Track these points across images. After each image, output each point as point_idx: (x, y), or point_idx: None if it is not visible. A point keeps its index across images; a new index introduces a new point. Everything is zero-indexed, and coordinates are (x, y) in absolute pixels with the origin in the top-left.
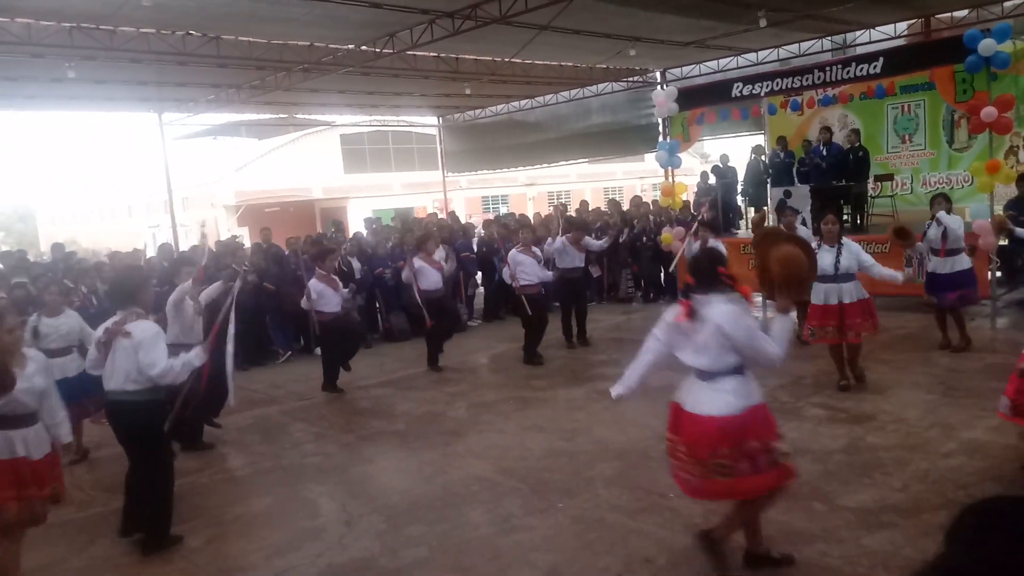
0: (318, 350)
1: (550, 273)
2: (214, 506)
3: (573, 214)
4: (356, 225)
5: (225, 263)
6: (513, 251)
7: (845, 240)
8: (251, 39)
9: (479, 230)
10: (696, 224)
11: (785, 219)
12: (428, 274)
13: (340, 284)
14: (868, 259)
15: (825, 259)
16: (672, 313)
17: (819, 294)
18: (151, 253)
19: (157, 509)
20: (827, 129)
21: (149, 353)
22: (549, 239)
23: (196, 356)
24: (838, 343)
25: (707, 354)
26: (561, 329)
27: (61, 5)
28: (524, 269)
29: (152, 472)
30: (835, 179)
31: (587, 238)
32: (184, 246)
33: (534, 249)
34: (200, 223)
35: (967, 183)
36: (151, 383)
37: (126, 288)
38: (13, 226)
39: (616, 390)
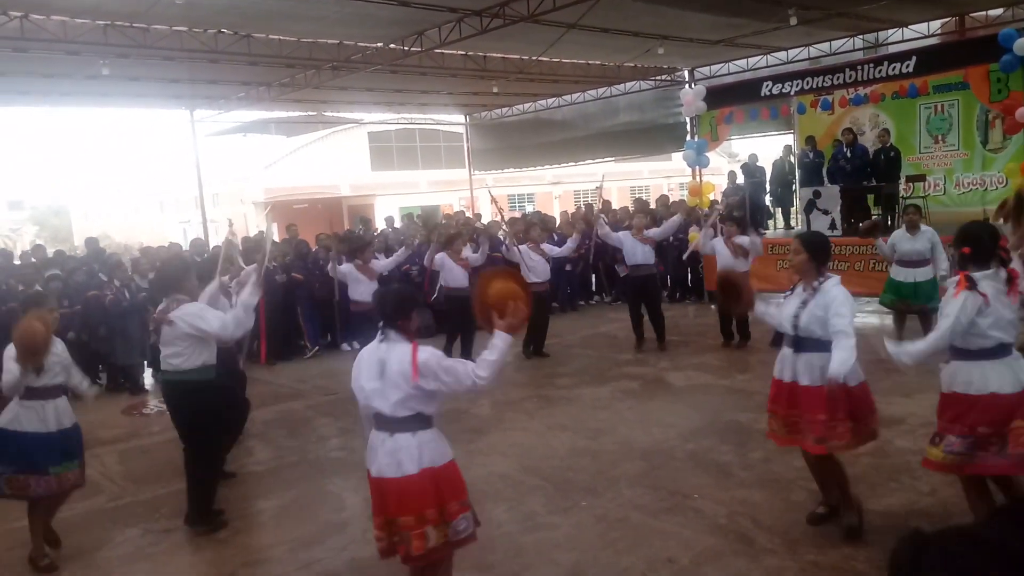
0: (345, 345)
1: (567, 246)
2: (240, 498)
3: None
4: (383, 222)
5: (252, 259)
6: (524, 247)
7: (829, 279)
8: (282, 37)
9: (504, 228)
10: (715, 216)
11: (726, 229)
12: (453, 271)
13: (376, 274)
14: (841, 321)
15: (785, 308)
16: None
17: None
18: (184, 248)
19: (201, 485)
20: (850, 131)
21: (208, 322)
22: (569, 240)
23: (250, 294)
24: (789, 445)
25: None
26: (632, 328)
27: (96, 3)
28: (533, 267)
29: (200, 449)
30: (864, 180)
31: (652, 228)
32: (215, 241)
33: (543, 247)
34: (228, 221)
35: (1001, 184)
36: (201, 362)
37: (170, 276)
38: (48, 221)
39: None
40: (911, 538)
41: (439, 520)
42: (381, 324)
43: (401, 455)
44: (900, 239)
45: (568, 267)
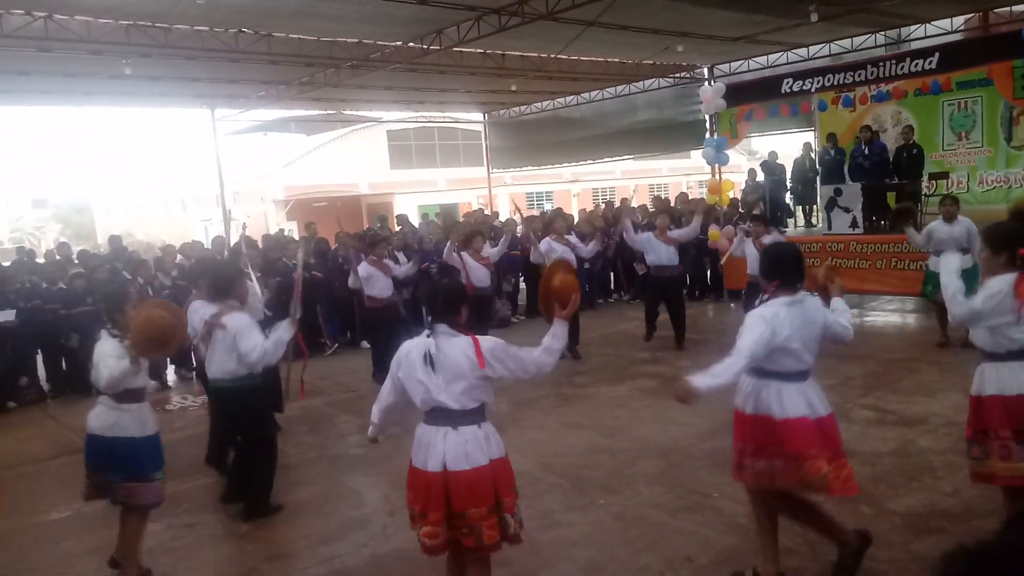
0: (364, 343)
1: (591, 246)
2: None
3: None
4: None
5: (274, 257)
6: (547, 240)
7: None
8: (301, 36)
9: (520, 227)
10: (738, 219)
11: (753, 228)
12: (476, 270)
13: (391, 268)
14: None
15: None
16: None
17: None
18: (206, 246)
19: (259, 481)
20: (868, 128)
21: (246, 342)
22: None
23: (284, 331)
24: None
25: None
26: (644, 320)
27: (119, 3)
28: (556, 257)
29: (254, 448)
30: (884, 177)
31: (675, 229)
32: (235, 239)
33: (568, 238)
34: (242, 222)
35: None
36: (248, 370)
37: (222, 282)
38: (71, 219)
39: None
40: (960, 555)
41: (510, 507)
42: (429, 319)
43: (469, 447)
44: (937, 228)
45: (587, 265)
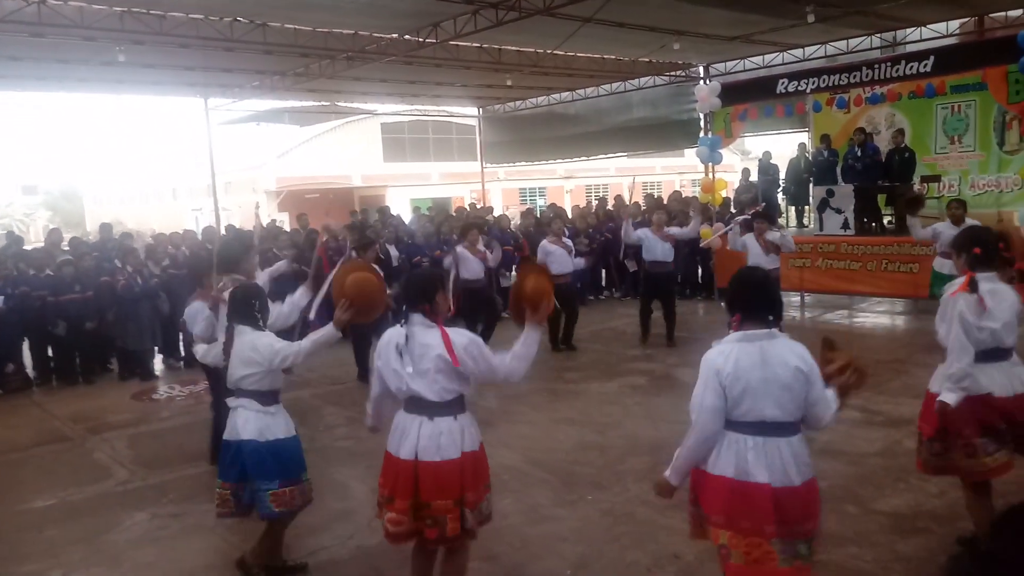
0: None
1: (581, 261)
2: None
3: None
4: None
5: (265, 248)
6: (544, 242)
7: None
8: (297, 26)
9: (515, 222)
10: (743, 216)
11: (757, 225)
12: (470, 263)
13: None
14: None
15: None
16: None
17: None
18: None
19: None
20: (861, 130)
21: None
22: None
23: (300, 296)
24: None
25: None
26: (640, 322)
27: None
28: (554, 259)
29: None
30: (877, 179)
31: (673, 227)
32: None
33: (564, 240)
34: (255, 205)
35: (1017, 186)
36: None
37: (229, 256)
38: (60, 206)
39: None
40: (965, 558)
41: (472, 502)
42: (404, 308)
43: (443, 439)
44: (945, 230)
45: (581, 264)
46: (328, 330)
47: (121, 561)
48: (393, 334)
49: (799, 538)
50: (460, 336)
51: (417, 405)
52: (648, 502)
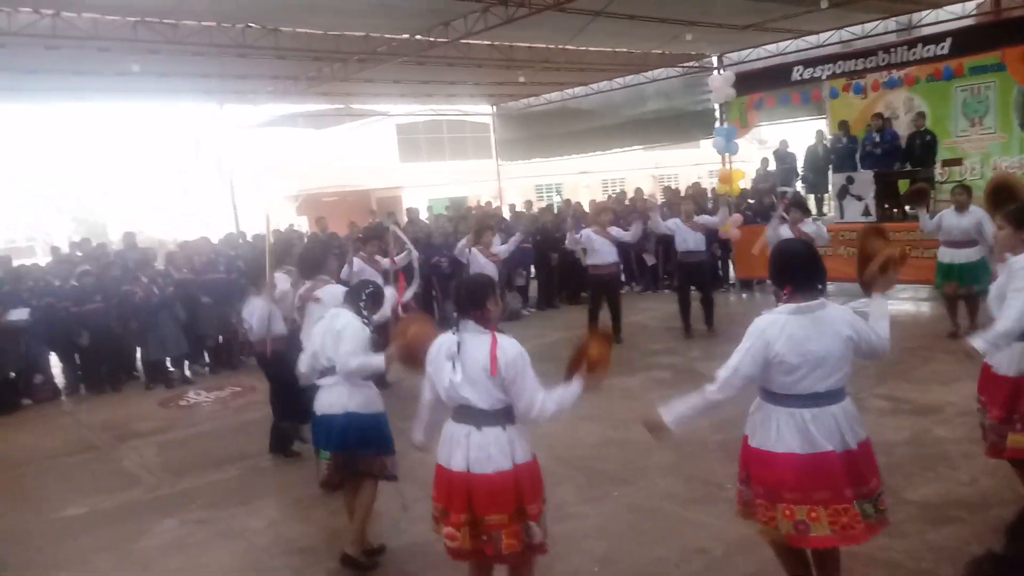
0: None
1: (631, 233)
2: (276, 489)
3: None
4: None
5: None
6: (588, 231)
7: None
8: (308, 31)
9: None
10: (781, 206)
11: (792, 216)
12: (484, 266)
13: (382, 268)
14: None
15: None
16: None
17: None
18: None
19: None
20: (879, 115)
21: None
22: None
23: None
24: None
25: None
26: (680, 315)
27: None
28: (598, 250)
29: None
30: (896, 164)
31: (704, 216)
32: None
33: (611, 230)
34: (265, 216)
35: None
36: None
37: (313, 258)
38: (84, 216)
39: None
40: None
41: (535, 515)
42: (456, 315)
43: (492, 449)
44: (948, 216)
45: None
46: (380, 358)
47: (151, 568)
48: (444, 341)
49: (864, 497)
50: (511, 348)
51: (466, 414)
52: (673, 497)
